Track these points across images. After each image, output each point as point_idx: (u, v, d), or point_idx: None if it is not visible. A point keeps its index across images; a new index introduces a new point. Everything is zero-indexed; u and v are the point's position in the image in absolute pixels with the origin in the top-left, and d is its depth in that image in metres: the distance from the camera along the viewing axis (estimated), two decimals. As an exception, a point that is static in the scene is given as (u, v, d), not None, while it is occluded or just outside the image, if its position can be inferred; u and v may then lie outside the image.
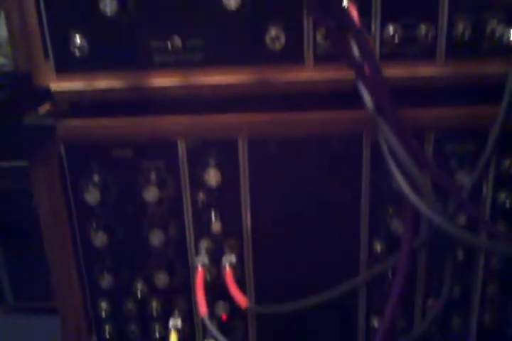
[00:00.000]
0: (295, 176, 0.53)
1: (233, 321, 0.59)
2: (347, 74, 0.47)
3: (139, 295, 0.57)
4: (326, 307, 0.56)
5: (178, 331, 0.57)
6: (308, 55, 0.49)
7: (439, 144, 0.51)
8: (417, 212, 0.37)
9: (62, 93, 0.50)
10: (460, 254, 0.55)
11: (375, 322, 0.57)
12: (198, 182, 0.53)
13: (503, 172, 0.52)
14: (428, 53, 0.49)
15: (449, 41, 0.49)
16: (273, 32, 0.48)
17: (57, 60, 0.50)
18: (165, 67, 0.50)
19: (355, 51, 0.37)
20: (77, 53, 0.49)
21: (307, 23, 0.48)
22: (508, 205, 0.52)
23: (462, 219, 0.49)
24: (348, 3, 0.41)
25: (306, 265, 0.56)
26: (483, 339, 0.58)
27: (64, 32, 0.49)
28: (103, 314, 0.58)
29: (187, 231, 0.55)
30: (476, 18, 0.48)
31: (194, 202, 0.54)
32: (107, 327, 0.59)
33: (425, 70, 0.49)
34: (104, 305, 0.58)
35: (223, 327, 0.57)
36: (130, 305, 0.58)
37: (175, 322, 0.57)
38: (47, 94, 0.51)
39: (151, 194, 0.53)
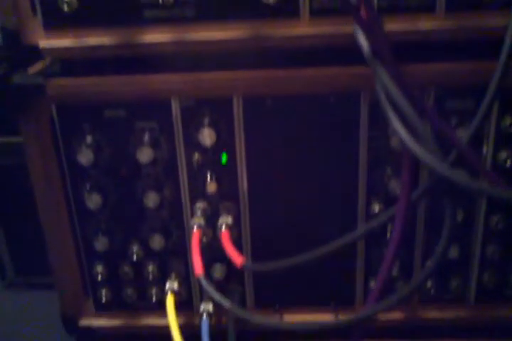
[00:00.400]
0: (292, 135, 0.52)
1: (230, 284, 0.58)
2: (344, 28, 0.46)
3: (135, 258, 0.57)
4: (324, 266, 0.56)
5: (175, 294, 0.56)
6: (304, 8, 0.48)
7: (438, 100, 0.50)
8: (415, 163, 0.36)
9: (51, 50, 0.48)
10: (460, 215, 0.54)
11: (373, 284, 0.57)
12: (192, 143, 0.52)
13: (503, 130, 0.51)
14: (428, 6, 0.48)
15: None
16: (267, -16, 0.46)
17: (46, 16, 0.48)
18: (156, 22, 0.48)
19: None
20: (66, 9, 0.47)
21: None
22: (508, 164, 0.51)
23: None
24: None
25: (303, 226, 0.55)
26: (482, 300, 0.58)
27: (51, -14, 0.47)
28: (99, 278, 0.58)
29: (182, 193, 0.54)
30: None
31: (189, 163, 0.53)
32: (103, 291, 0.59)
33: (425, 24, 0.48)
34: (99, 268, 0.58)
35: (220, 290, 0.56)
36: (126, 269, 0.58)
37: (171, 284, 0.57)
38: (36, 53, 0.49)
39: (144, 155, 0.52)
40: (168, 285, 0.56)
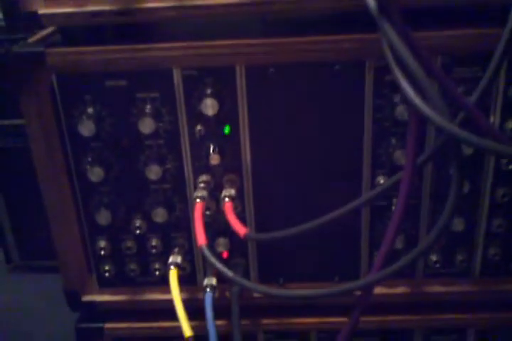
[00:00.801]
0: (295, 104, 0.51)
1: (234, 259, 0.58)
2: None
3: (138, 232, 0.56)
4: (328, 240, 0.55)
5: (179, 268, 0.56)
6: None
7: (445, 68, 0.49)
8: (421, 127, 0.35)
9: (50, 17, 0.48)
10: (465, 187, 0.54)
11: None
12: (194, 113, 0.51)
13: (510, 99, 0.50)
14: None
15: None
16: None
17: (44, -17, 0.48)
18: (156, -12, 0.47)
19: None
20: (65, -25, 0.47)
21: None
22: (516, 133, 0.50)
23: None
24: None
25: (307, 199, 0.55)
26: (488, 274, 0.58)
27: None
28: (102, 253, 0.57)
29: (185, 165, 0.54)
30: None
31: (191, 135, 0.52)
32: (106, 267, 0.58)
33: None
34: (102, 243, 0.57)
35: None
36: (129, 243, 0.57)
37: (175, 259, 0.56)
38: (36, 22, 0.49)
39: (146, 126, 0.51)
40: (171, 259, 0.56)
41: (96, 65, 0.50)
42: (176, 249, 0.57)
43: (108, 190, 0.55)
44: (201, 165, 0.54)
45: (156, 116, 0.51)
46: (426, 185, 0.54)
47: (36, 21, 0.48)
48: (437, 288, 0.58)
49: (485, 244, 0.56)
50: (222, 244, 0.56)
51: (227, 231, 0.55)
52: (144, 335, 0.61)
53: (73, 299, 0.60)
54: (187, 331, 0.50)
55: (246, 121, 0.52)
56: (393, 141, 0.52)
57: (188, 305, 0.52)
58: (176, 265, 0.56)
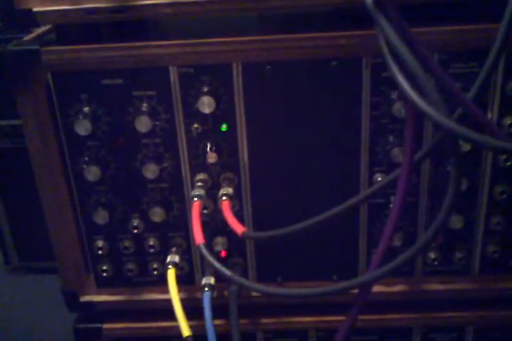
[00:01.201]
0: (292, 102, 0.51)
1: (231, 258, 0.58)
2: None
3: (135, 232, 0.56)
4: (326, 239, 0.55)
5: (177, 268, 0.56)
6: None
7: (442, 64, 0.49)
8: (419, 124, 0.35)
9: (45, 14, 0.47)
10: (464, 185, 0.53)
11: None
12: (191, 111, 0.51)
13: (508, 95, 0.50)
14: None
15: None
16: None
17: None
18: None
19: None
20: (60, -27, 0.46)
21: None
22: (513, 130, 0.50)
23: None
24: None
25: (304, 197, 0.55)
26: (486, 272, 0.57)
27: None
28: (100, 252, 0.57)
29: (182, 164, 0.54)
30: None
31: (188, 133, 0.52)
32: (104, 267, 0.58)
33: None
34: (100, 243, 0.57)
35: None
36: (127, 243, 0.57)
37: (172, 258, 0.56)
38: (31, 19, 0.49)
39: (143, 124, 0.51)
40: (169, 259, 0.56)
41: (92, 63, 0.50)
42: (174, 249, 0.57)
43: (105, 189, 0.55)
44: (198, 163, 0.53)
45: (153, 114, 0.51)
46: (424, 183, 0.53)
47: (31, 19, 0.48)
48: (436, 286, 0.58)
49: (484, 241, 0.56)
50: (220, 243, 0.56)
51: (225, 230, 0.54)
52: (142, 335, 0.61)
53: (71, 299, 0.60)
54: (185, 331, 0.49)
55: (243, 118, 0.51)
56: (391, 138, 0.52)
57: (186, 304, 0.51)
58: (174, 264, 0.55)
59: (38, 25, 0.51)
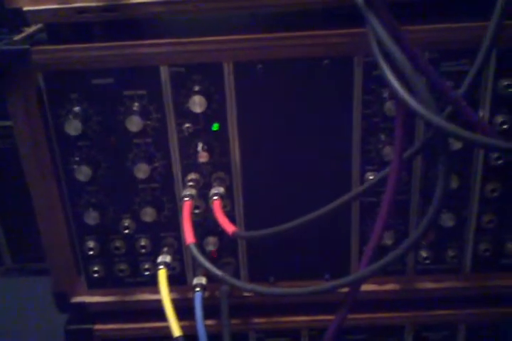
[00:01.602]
0: (284, 101, 0.51)
1: (223, 258, 0.58)
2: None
3: (127, 232, 0.56)
4: (318, 238, 0.55)
5: (168, 268, 0.55)
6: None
7: (432, 62, 0.49)
8: (409, 122, 0.35)
9: (35, 13, 0.47)
10: (455, 183, 0.54)
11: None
12: (182, 111, 0.51)
13: (499, 92, 0.50)
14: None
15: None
16: None
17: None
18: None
19: None
20: (50, -28, 0.46)
21: None
22: (505, 127, 0.50)
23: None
24: None
25: (296, 196, 0.55)
26: (478, 270, 0.58)
27: None
28: (91, 253, 0.57)
29: (173, 164, 0.53)
30: None
31: (180, 132, 0.52)
32: (95, 267, 0.58)
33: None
34: (91, 243, 0.57)
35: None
36: (118, 243, 0.57)
37: (164, 258, 0.56)
38: (21, 18, 0.48)
39: (134, 124, 0.51)
40: (160, 259, 0.55)
41: (82, 63, 0.49)
42: (165, 249, 0.57)
43: (96, 189, 0.54)
44: (190, 163, 0.53)
45: (144, 114, 0.51)
46: (415, 182, 0.54)
47: (21, 18, 0.48)
48: (428, 285, 0.58)
49: (475, 239, 0.56)
50: (211, 243, 0.56)
51: (217, 230, 0.54)
52: (134, 336, 0.60)
53: (61, 300, 0.59)
54: (176, 331, 0.49)
55: (234, 118, 0.51)
56: (382, 136, 0.52)
57: (178, 304, 0.51)
58: (165, 264, 0.55)
59: (28, 25, 0.50)
